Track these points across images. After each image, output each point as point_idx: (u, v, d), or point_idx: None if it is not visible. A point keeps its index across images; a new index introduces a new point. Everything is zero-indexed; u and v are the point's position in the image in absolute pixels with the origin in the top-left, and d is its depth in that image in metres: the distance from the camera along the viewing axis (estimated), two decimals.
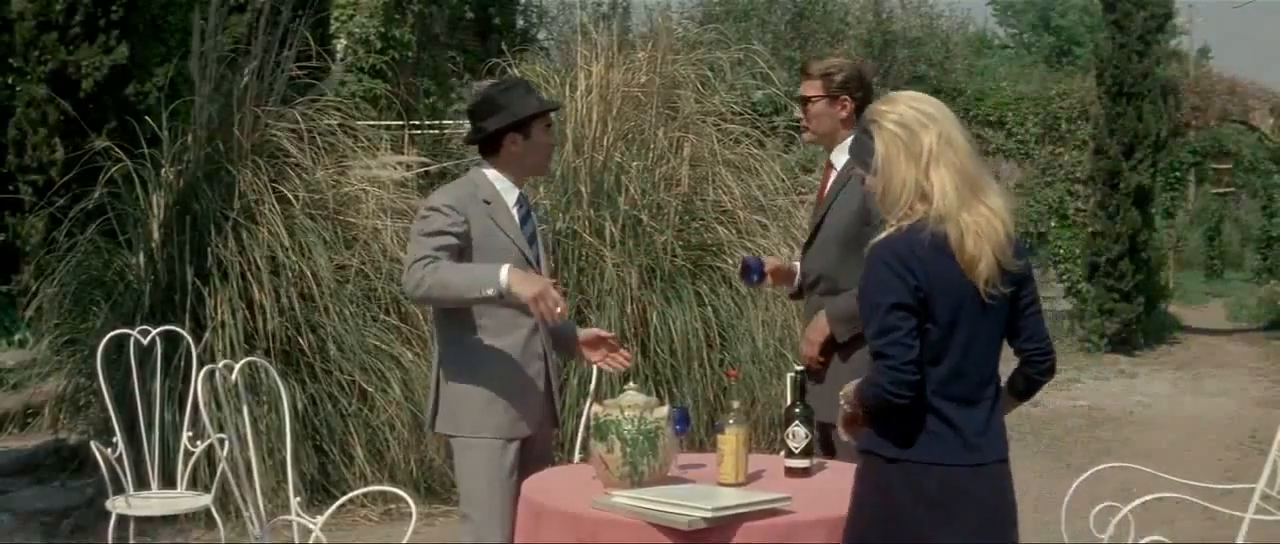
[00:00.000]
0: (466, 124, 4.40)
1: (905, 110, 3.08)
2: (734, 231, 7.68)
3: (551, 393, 4.16)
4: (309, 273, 6.84)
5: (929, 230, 3.01)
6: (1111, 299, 14.46)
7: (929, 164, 3.03)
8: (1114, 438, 9.68)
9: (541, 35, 17.52)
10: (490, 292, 3.79)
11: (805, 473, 3.83)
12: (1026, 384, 3.24)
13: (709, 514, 3.25)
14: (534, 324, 4.06)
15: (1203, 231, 28.73)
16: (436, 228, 3.99)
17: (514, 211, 4.11)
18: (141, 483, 5.48)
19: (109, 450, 5.22)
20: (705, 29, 10.20)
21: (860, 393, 3.09)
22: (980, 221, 3.02)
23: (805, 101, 4.43)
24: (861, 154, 3.15)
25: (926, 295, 3.00)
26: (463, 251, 3.99)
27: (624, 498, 3.43)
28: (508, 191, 4.13)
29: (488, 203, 4.08)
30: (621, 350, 4.28)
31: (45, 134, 9.63)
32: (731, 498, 3.38)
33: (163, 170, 7.18)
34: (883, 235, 3.07)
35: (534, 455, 4.10)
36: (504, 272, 3.80)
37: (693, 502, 3.31)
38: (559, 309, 3.77)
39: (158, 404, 5.79)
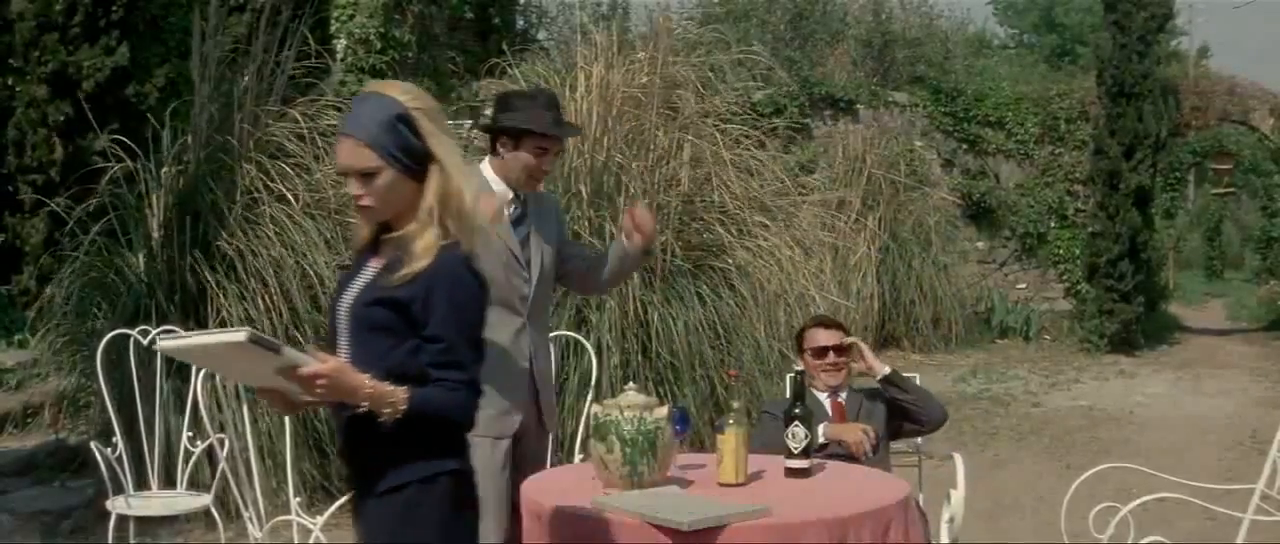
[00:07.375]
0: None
1: None
2: (735, 232, 7.68)
3: (537, 392, 4.12)
4: (310, 272, 6.84)
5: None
6: (1111, 299, 14.45)
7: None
8: (1114, 438, 9.68)
9: (541, 35, 17.49)
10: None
11: (805, 473, 3.83)
12: None
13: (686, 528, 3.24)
14: (520, 324, 4.06)
15: (1203, 232, 28.76)
16: None
17: (505, 210, 4.09)
18: (141, 483, 5.49)
19: (109, 450, 5.22)
20: (705, 30, 10.19)
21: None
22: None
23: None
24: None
25: None
26: None
27: (619, 500, 3.43)
28: (503, 191, 4.11)
29: None
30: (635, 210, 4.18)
31: (45, 134, 9.62)
32: (712, 510, 3.36)
33: (163, 170, 7.18)
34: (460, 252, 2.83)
35: (528, 456, 4.09)
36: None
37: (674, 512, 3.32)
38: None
39: (158, 404, 5.79)
